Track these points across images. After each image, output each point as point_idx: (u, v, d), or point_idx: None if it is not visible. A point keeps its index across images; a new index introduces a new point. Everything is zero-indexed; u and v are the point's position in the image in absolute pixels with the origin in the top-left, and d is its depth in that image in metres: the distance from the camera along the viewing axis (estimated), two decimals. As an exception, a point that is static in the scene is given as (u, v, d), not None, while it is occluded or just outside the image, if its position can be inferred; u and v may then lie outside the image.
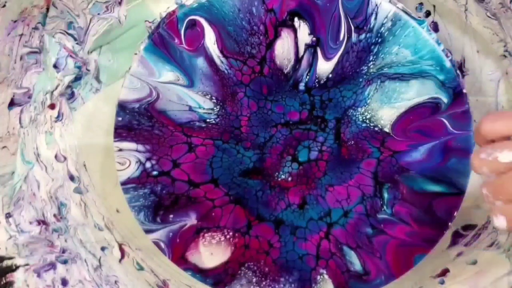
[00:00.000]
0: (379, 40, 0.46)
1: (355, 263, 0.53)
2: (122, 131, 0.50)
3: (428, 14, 0.50)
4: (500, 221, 0.39)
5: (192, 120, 0.50)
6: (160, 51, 0.48)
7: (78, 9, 0.51)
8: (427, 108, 0.47)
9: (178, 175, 0.52)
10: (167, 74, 0.48)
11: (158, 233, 0.53)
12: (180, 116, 0.50)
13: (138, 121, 0.50)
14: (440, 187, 0.49)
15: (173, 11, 0.47)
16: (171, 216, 0.53)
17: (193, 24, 0.47)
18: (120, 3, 0.51)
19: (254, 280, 0.55)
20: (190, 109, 0.49)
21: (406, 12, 0.45)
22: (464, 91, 0.47)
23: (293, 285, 0.54)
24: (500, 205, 0.39)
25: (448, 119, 0.47)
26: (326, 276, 0.54)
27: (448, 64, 0.46)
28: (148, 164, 0.51)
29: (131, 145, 0.51)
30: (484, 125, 0.39)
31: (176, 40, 0.47)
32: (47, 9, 0.51)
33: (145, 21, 0.52)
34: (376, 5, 0.45)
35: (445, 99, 0.47)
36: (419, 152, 0.49)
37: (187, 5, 0.47)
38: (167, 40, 0.47)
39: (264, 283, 0.55)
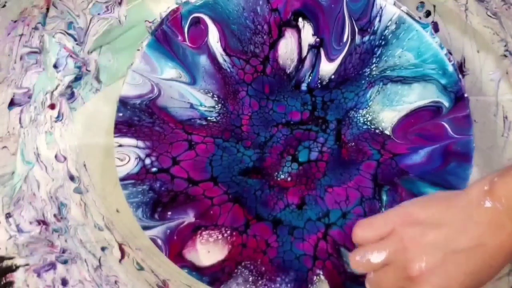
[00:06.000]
0: (383, 43, 0.46)
1: (352, 265, 0.53)
2: (123, 127, 0.50)
3: (428, 14, 0.50)
4: None
5: (193, 117, 0.50)
6: (163, 47, 0.48)
7: (78, 9, 0.51)
8: (428, 111, 0.47)
9: (178, 172, 0.51)
10: (170, 71, 0.48)
11: (156, 229, 0.53)
12: (181, 113, 0.50)
13: (139, 117, 0.50)
14: (439, 190, 0.49)
15: (177, 8, 0.47)
16: (169, 213, 0.53)
17: (197, 21, 0.47)
18: (120, 3, 0.51)
19: (250, 279, 0.55)
20: (192, 106, 0.49)
21: (410, 15, 0.45)
22: (466, 95, 0.47)
23: (289, 285, 0.54)
24: None
25: (448, 123, 0.47)
26: (322, 277, 0.54)
27: (450, 68, 0.46)
28: (147, 161, 0.51)
29: (131, 141, 0.50)
30: (355, 235, 0.45)
31: (180, 37, 0.47)
32: (47, 9, 0.51)
33: (145, 21, 0.51)
34: (381, 7, 0.45)
35: (446, 103, 0.47)
36: (419, 155, 0.49)
37: (192, 2, 0.47)
38: (170, 37, 0.47)
39: (260, 282, 0.55)
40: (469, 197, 0.43)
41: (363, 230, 0.45)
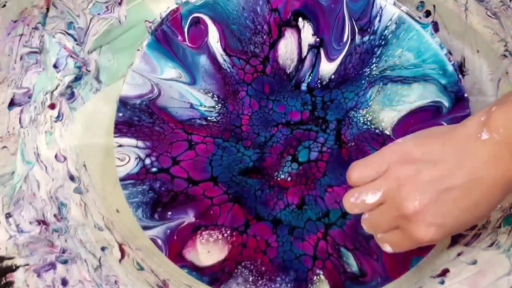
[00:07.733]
0: (383, 43, 0.46)
1: (352, 265, 0.53)
2: (123, 127, 0.50)
3: (428, 14, 0.50)
4: (387, 248, 0.45)
5: (193, 117, 0.50)
6: (163, 47, 0.48)
7: (78, 9, 0.51)
8: (428, 111, 0.47)
9: (178, 172, 0.51)
10: (170, 71, 0.48)
11: (156, 230, 0.53)
12: (181, 113, 0.50)
13: (139, 117, 0.50)
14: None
15: (177, 8, 0.47)
16: (169, 213, 0.53)
17: (197, 21, 0.47)
18: (120, 3, 0.51)
19: (250, 279, 0.55)
20: (192, 106, 0.49)
21: (410, 15, 0.45)
22: (466, 95, 0.47)
23: (289, 285, 0.54)
24: (381, 236, 0.45)
25: (449, 123, 0.47)
26: (322, 277, 0.54)
27: (450, 68, 0.46)
28: (147, 161, 0.51)
29: (131, 141, 0.50)
30: (351, 175, 0.45)
31: (180, 37, 0.47)
32: (47, 9, 0.51)
33: (145, 21, 0.51)
34: (381, 7, 0.45)
35: (446, 103, 0.47)
36: (419, 155, 0.49)
37: (192, 2, 0.47)
38: (170, 37, 0.47)
39: (260, 282, 0.55)
40: (465, 130, 0.41)
41: (358, 170, 0.45)
